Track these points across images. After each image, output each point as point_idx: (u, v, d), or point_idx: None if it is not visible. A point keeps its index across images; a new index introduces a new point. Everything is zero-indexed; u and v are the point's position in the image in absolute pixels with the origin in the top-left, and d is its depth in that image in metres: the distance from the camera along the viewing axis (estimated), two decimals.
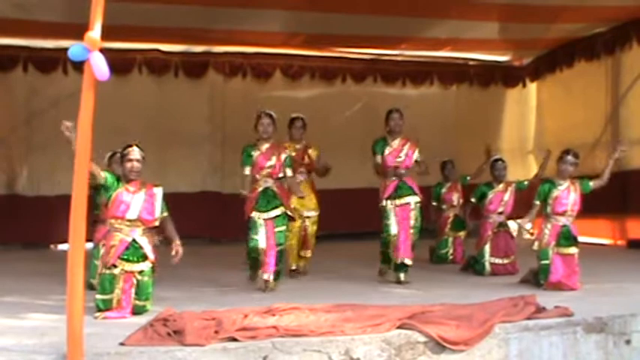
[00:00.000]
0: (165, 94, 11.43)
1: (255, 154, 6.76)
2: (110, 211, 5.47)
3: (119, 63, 10.73)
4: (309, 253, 7.83)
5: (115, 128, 9.37)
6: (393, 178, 7.06)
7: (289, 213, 6.77)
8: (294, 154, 7.63)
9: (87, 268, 5.46)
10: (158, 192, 5.62)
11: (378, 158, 7.15)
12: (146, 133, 10.80)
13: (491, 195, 8.01)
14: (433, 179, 9.12)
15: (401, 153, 7.10)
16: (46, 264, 8.10)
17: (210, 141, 11.58)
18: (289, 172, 6.90)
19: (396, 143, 7.13)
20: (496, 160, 8.23)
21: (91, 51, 3.83)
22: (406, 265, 7.02)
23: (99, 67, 3.81)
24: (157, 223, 5.61)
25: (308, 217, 7.73)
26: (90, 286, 5.78)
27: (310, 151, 7.84)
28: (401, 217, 7.01)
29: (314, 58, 12.09)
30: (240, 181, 6.87)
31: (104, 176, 5.43)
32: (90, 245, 6.42)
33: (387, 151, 7.10)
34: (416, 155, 7.16)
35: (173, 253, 5.63)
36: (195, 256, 9.62)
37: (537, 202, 6.77)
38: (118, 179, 5.53)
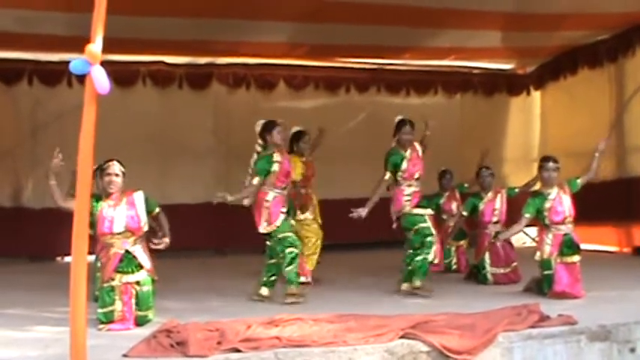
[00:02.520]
0: (169, 106, 11.45)
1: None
2: (98, 229, 5.48)
3: (123, 75, 10.82)
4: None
5: (119, 140, 9.40)
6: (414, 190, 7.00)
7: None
8: (303, 170, 7.71)
9: (92, 280, 5.52)
10: (138, 197, 5.62)
11: (388, 175, 7.02)
12: (150, 145, 10.87)
13: (482, 206, 7.99)
14: (431, 189, 9.10)
15: (417, 162, 7.06)
16: (52, 276, 8.12)
17: (214, 152, 11.60)
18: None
19: (409, 153, 7.04)
20: (481, 168, 8.21)
21: (92, 64, 3.86)
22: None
23: (99, 80, 3.84)
24: (146, 229, 5.63)
25: None
26: (96, 299, 5.79)
27: (311, 163, 7.93)
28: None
29: (317, 69, 12.10)
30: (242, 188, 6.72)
31: None
32: (93, 257, 6.48)
33: (405, 163, 6.99)
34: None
35: (155, 241, 5.67)
36: (200, 267, 9.72)
37: (527, 216, 6.69)
38: (98, 198, 5.53)
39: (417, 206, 6.99)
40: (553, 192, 6.69)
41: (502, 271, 7.77)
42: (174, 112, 11.41)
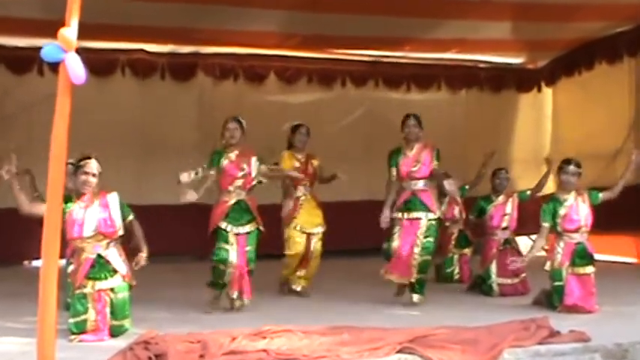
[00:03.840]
0: (150, 98, 11.43)
1: (225, 162, 6.82)
2: (67, 233, 5.42)
3: (101, 64, 10.78)
4: (304, 272, 7.81)
5: (95, 135, 9.35)
6: (407, 189, 7.05)
7: (261, 228, 6.80)
8: (297, 164, 7.66)
9: (63, 287, 5.49)
10: (112, 199, 5.60)
11: (393, 171, 7.11)
12: (129, 140, 10.85)
13: (491, 209, 8.01)
14: None
15: (416, 161, 7.05)
16: (18, 283, 8.09)
17: (198, 149, 11.52)
18: (263, 179, 6.94)
19: (412, 152, 7.09)
20: (499, 169, 8.23)
21: (67, 51, 3.84)
22: (418, 285, 7.01)
23: (74, 69, 3.82)
24: (121, 232, 5.61)
25: (313, 234, 7.74)
26: (67, 307, 5.76)
27: (314, 161, 7.87)
28: (407, 232, 6.98)
29: (311, 60, 12.09)
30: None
31: None
32: (64, 262, 6.45)
33: (401, 160, 7.07)
34: (434, 163, 7.12)
35: (134, 262, 5.65)
36: (180, 274, 9.69)
37: (546, 225, 6.69)
38: (68, 199, 5.43)
39: (398, 209, 7.07)
40: (570, 198, 6.69)
41: (509, 281, 7.78)
42: (155, 105, 11.40)
